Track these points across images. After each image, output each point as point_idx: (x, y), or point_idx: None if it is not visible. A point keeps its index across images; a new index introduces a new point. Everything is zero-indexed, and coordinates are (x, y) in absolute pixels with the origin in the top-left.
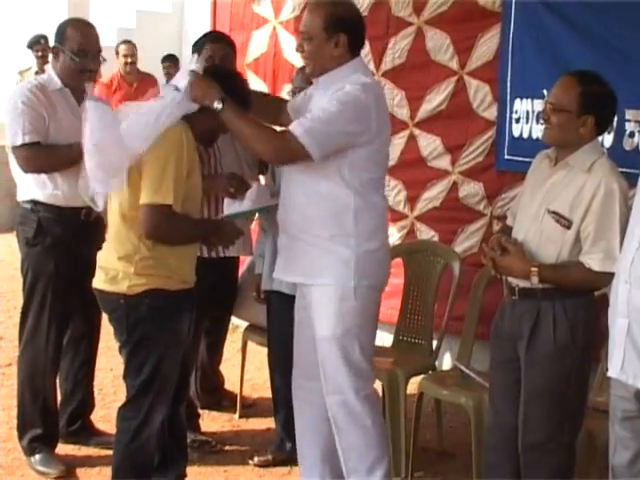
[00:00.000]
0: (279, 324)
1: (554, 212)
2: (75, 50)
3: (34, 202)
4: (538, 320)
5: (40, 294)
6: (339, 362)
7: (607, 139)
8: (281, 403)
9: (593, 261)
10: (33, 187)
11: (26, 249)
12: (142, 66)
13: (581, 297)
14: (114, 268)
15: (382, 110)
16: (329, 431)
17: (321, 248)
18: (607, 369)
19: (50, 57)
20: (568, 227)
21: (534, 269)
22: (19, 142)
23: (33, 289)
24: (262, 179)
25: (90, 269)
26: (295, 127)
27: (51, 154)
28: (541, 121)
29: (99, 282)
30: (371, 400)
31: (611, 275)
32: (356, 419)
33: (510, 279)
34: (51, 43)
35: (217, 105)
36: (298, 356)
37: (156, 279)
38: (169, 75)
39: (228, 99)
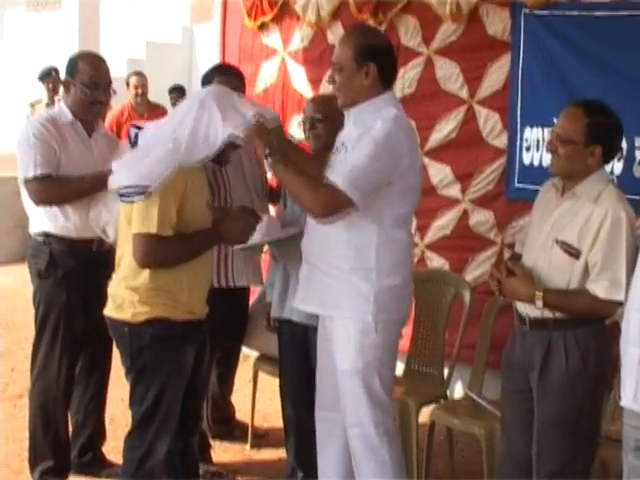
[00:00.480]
0: (289, 353)
1: (563, 242)
2: (86, 82)
3: (46, 234)
4: (549, 350)
5: (52, 326)
6: (360, 395)
7: (617, 167)
8: (292, 432)
9: (599, 289)
10: (45, 219)
11: (38, 281)
12: (152, 97)
13: (592, 325)
14: (120, 296)
15: (412, 144)
16: (351, 461)
17: (341, 280)
18: (619, 398)
19: (61, 90)
20: (577, 257)
21: (539, 293)
22: (31, 175)
23: (45, 321)
24: (272, 210)
25: (102, 300)
26: (336, 178)
27: (62, 186)
28: None
29: (108, 309)
30: (390, 435)
31: (617, 303)
32: (375, 454)
33: (520, 309)
34: (62, 75)
35: (274, 156)
36: (320, 387)
37: (160, 308)
38: (176, 106)
39: (285, 152)
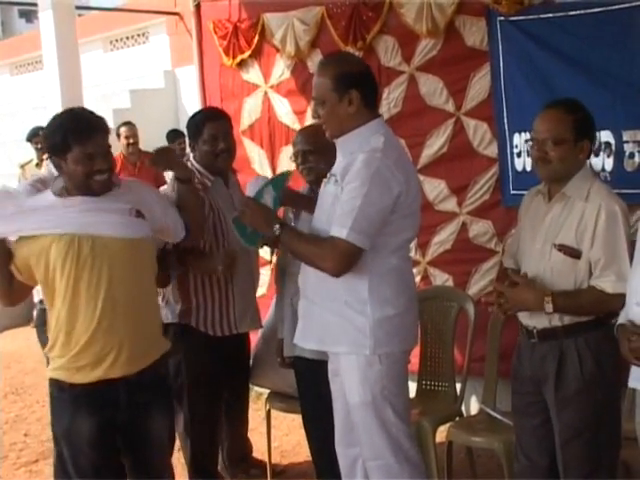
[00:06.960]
0: (308, 389)
1: (561, 245)
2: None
3: None
4: (563, 359)
5: None
6: (374, 427)
7: (608, 163)
8: (323, 468)
9: (605, 284)
10: None
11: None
12: (142, 143)
13: (602, 329)
14: None
15: (405, 170)
16: None
17: (336, 314)
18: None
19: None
20: (578, 257)
21: (547, 297)
22: None
23: None
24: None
25: None
26: (339, 231)
27: None
28: None
29: None
30: (412, 462)
31: (624, 296)
32: None
33: (526, 322)
34: None
35: (277, 231)
36: (337, 423)
37: (55, 369)
38: (182, 151)
39: (285, 223)
